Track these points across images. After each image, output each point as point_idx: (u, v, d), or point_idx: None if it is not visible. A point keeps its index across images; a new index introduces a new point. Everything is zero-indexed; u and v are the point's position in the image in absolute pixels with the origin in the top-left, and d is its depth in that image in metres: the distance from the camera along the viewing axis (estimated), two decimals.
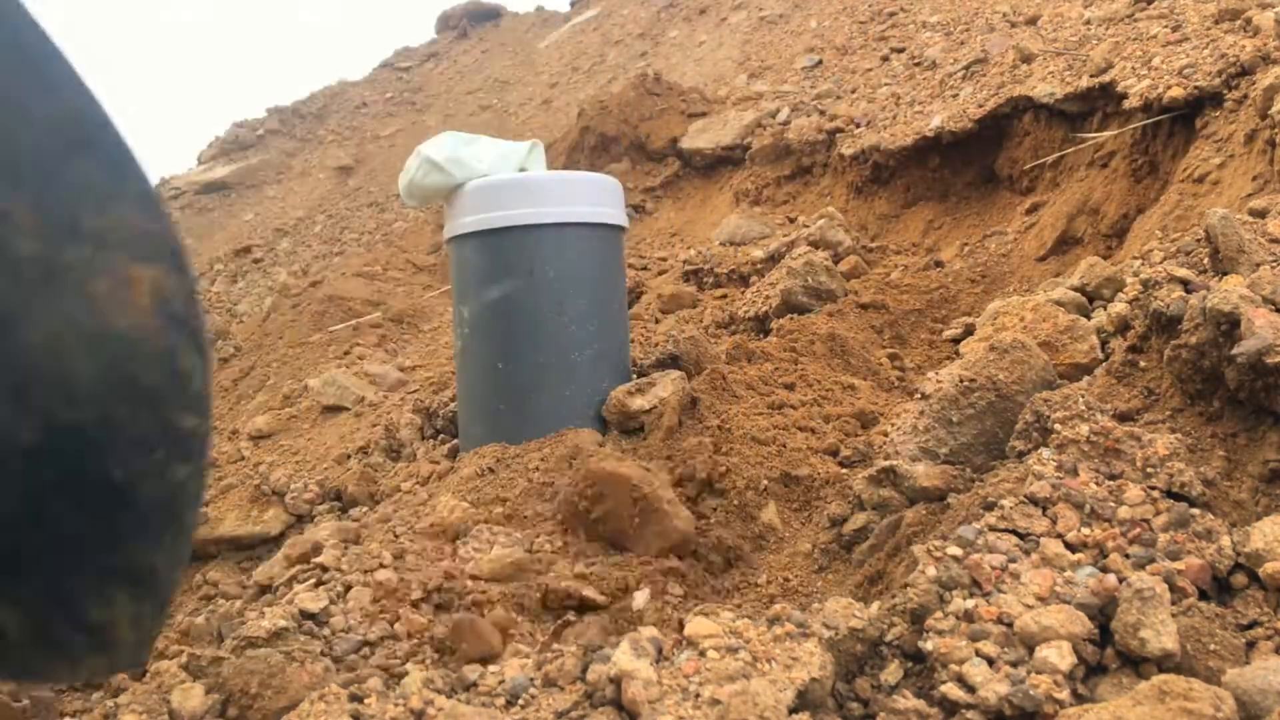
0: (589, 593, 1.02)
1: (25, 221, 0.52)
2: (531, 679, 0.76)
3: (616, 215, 1.54)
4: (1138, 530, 0.78)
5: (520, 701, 0.74)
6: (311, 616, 0.92)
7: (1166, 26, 2.18)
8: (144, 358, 0.56)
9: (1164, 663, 0.68)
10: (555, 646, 0.84)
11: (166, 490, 0.57)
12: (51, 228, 0.52)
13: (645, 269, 2.67)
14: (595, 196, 1.51)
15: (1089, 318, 1.30)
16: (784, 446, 1.28)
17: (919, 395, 1.16)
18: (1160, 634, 0.67)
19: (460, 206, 1.50)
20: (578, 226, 1.48)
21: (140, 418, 0.56)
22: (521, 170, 1.57)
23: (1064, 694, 0.65)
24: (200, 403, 0.57)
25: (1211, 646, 0.68)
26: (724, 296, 2.26)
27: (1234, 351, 0.88)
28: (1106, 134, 2.08)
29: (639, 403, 1.44)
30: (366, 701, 0.71)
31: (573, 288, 1.47)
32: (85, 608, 0.58)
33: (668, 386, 1.46)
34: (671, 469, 1.23)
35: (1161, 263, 1.24)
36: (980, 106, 2.47)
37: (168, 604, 0.61)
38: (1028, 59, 2.51)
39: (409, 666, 0.88)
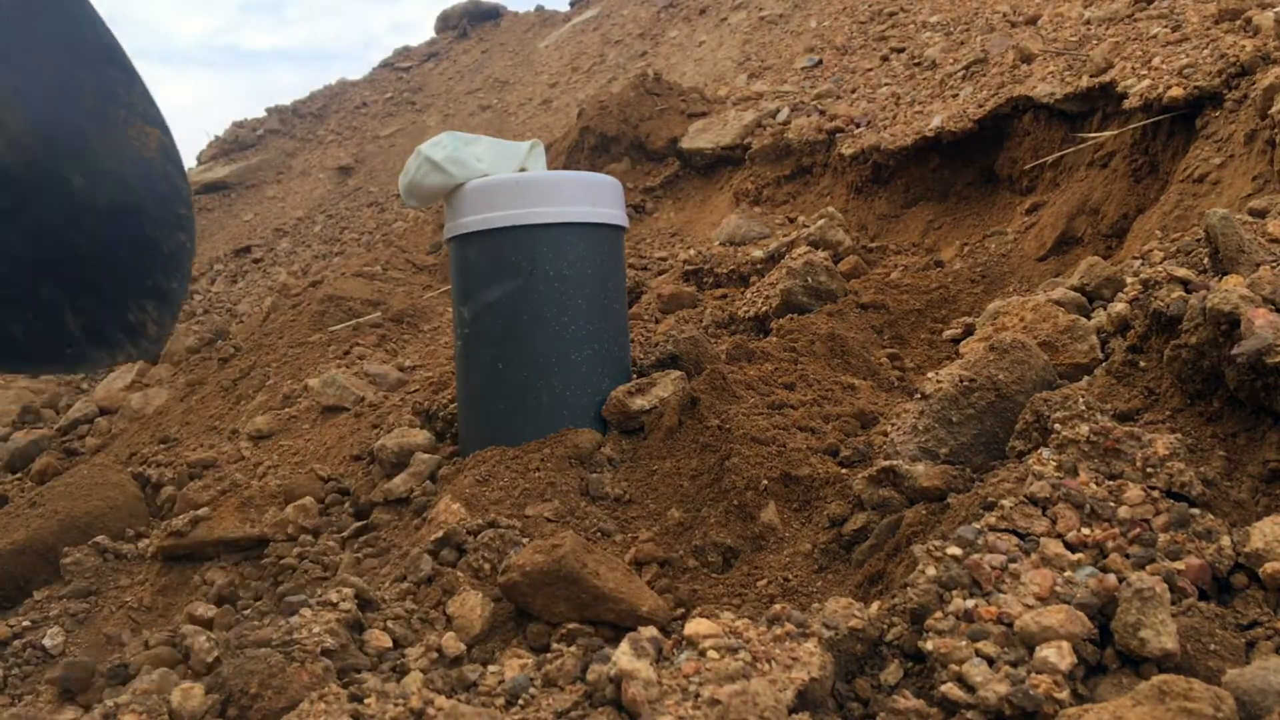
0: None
1: (86, 88, 1.00)
2: (531, 679, 0.76)
3: (616, 215, 1.54)
4: (1138, 530, 0.78)
5: (520, 701, 0.73)
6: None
7: (1166, 26, 2.18)
8: (158, 174, 1.03)
9: (1164, 663, 0.68)
10: (555, 646, 0.84)
11: (174, 246, 1.04)
12: (101, 95, 1.00)
13: (645, 269, 2.67)
14: (595, 196, 1.51)
15: (1089, 318, 1.30)
16: (784, 446, 1.27)
17: (919, 395, 1.16)
18: (1160, 634, 0.67)
19: (460, 206, 1.50)
20: (578, 226, 1.48)
21: (160, 205, 1.03)
22: (522, 170, 1.56)
23: (1064, 694, 0.65)
24: (188, 203, 1.06)
25: (1211, 646, 0.68)
26: (724, 296, 2.26)
27: (1234, 351, 0.88)
28: (1106, 134, 2.08)
29: (639, 403, 1.44)
30: (366, 701, 0.71)
31: (573, 287, 1.47)
32: (127, 313, 1.04)
33: (668, 386, 1.45)
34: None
35: (1161, 263, 1.24)
36: (980, 106, 2.47)
37: (175, 317, 1.08)
38: (1028, 59, 2.51)
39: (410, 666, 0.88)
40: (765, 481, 1.22)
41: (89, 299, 1.05)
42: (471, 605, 0.98)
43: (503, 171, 1.53)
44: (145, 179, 1.07)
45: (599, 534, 1.24)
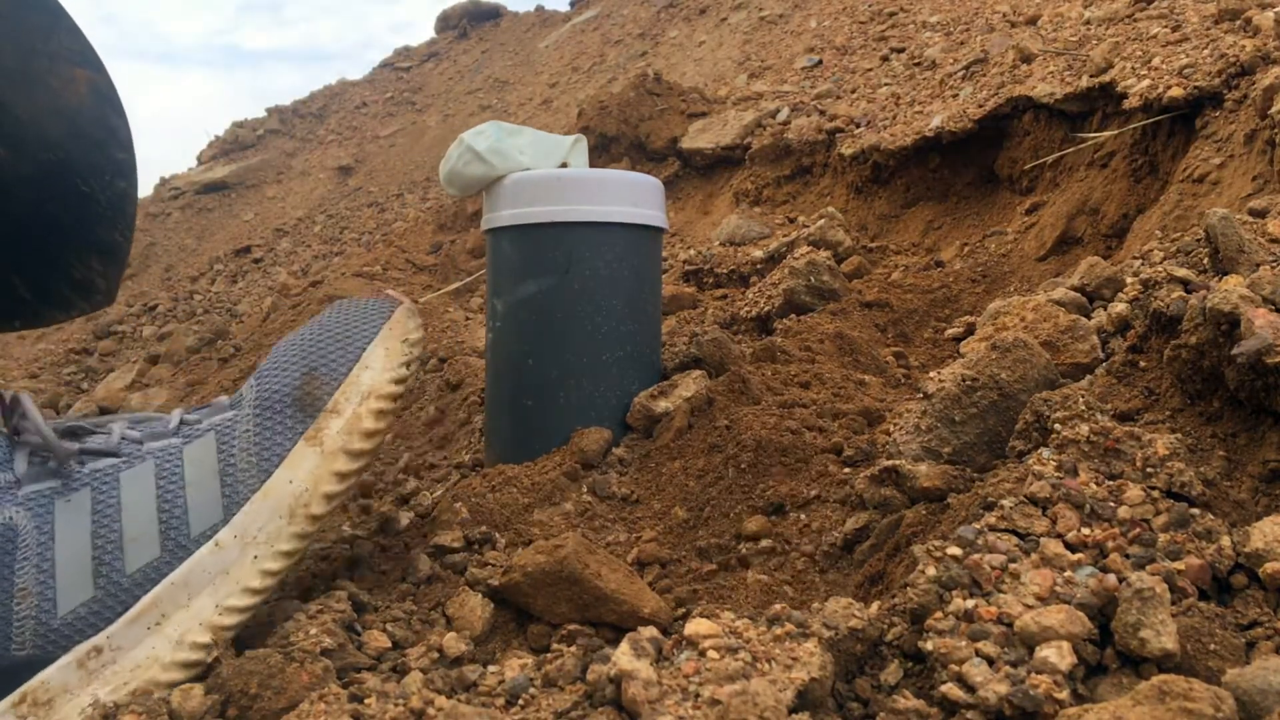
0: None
1: (6, 46, 0.88)
2: (531, 679, 0.76)
3: (656, 217, 1.49)
4: (1138, 530, 0.78)
5: (520, 701, 0.73)
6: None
7: (1166, 26, 2.18)
8: (87, 120, 0.95)
9: (1164, 663, 0.68)
10: (555, 646, 0.84)
11: (114, 195, 0.97)
12: (21, 50, 0.89)
13: None
14: (635, 196, 1.46)
15: (1089, 318, 1.30)
16: (789, 446, 1.27)
17: (921, 395, 1.16)
18: (1160, 634, 0.67)
19: (498, 199, 1.45)
20: (617, 227, 1.43)
21: (91, 154, 0.95)
22: (563, 165, 1.52)
23: (1064, 694, 0.65)
24: (127, 143, 0.99)
25: (1211, 646, 0.68)
26: (724, 297, 2.26)
27: (1234, 351, 0.88)
28: (1106, 134, 2.08)
29: (663, 405, 1.42)
30: (366, 702, 0.71)
31: (608, 288, 1.43)
32: (73, 271, 0.97)
33: (690, 387, 1.44)
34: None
35: (1161, 263, 1.24)
36: (980, 106, 2.47)
37: (124, 265, 1.04)
38: (1028, 59, 2.51)
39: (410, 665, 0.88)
40: (769, 481, 1.22)
41: (30, 263, 0.98)
42: (472, 606, 0.98)
43: (544, 165, 1.49)
44: (74, 129, 0.98)
45: (605, 534, 1.24)
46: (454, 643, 0.90)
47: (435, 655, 0.89)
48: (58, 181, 0.96)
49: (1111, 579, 0.73)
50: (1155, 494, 0.83)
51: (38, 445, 0.84)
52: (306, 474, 0.88)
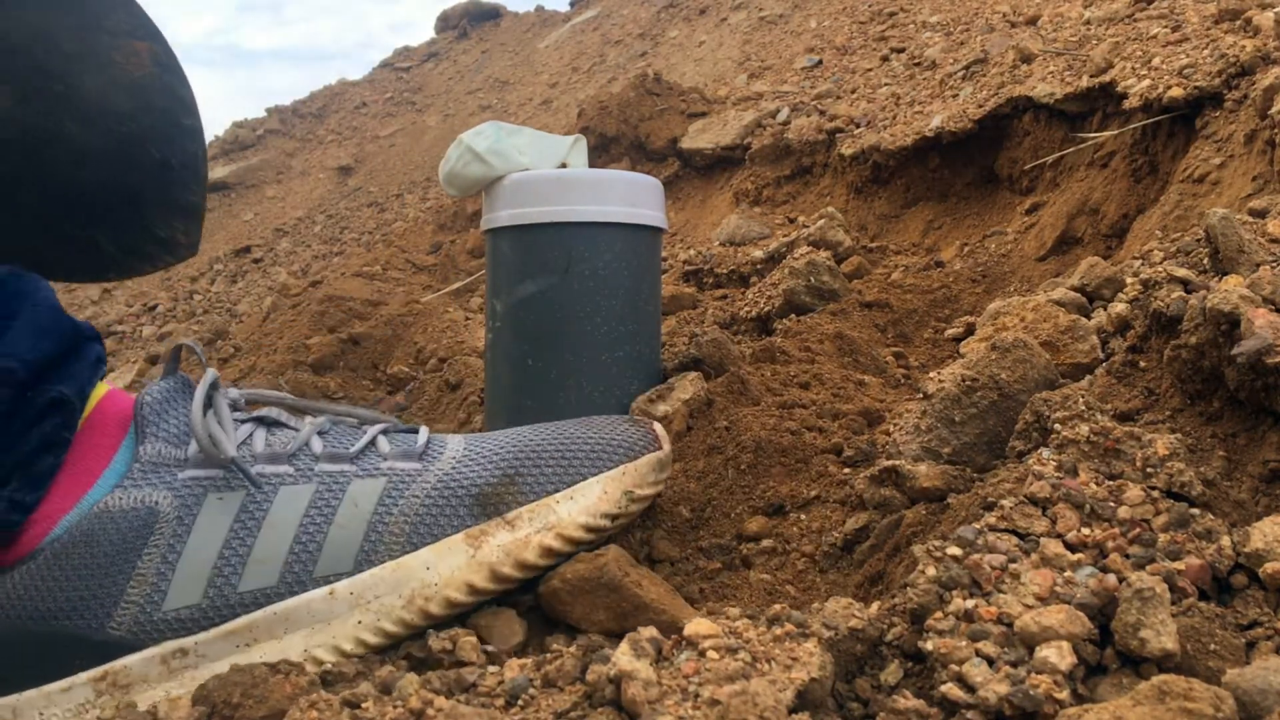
0: None
1: (65, 29, 0.91)
2: (531, 679, 0.76)
3: (656, 217, 1.48)
4: (1138, 530, 0.78)
5: (520, 702, 0.73)
6: None
7: (1166, 26, 2.18)
8: (153, 90, 0.98)
9: (1164, 663, 0.68)
10: (555, 647, 0.84)
11: (186, 158, 1.02)
12: (82, 30, 0.93)
13: None
14: (635, 196, 1.45)
15: (1089, 318, 1.30)
16: (789, 447, 1.28)
17: (921, 395, 1.16)
18: (1160, 634, 0.67)
19: (497, 199, 1.45)
20: (616, 227, 1.42)
21: (161, 122, 0.99)
22: (563, 165, 1.51)
23: (1064, 694, 0.65)
24: (193, 107, 1.04)
25: (1211, 646, 0.68)
26: (724, 297, 2.26)
27: (1234, 351, 0.88)
28: (1106, 134, 2.08)
29: (662, 408, 1.42)
30: (364, 705, 0.71)
31: (607, 288, 1.42)
32: (155, 229, 1.02)
33: (687, 389, 1.43)
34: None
35: (1161, 263, 1.24)
36: (980, 106, 2.47)
37: (202, 219, 1.08)
38: (1028, 59, 2.51)
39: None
40: (769, 482, 1.22)
41: (114, 227, 1.03)
42: (505, 620, 0.96)
43: (544, 165, 1.48)
44: (142, 101, 1.03)
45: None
46: (470, 651, 0.88)
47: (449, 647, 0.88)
48: (134, 152, 1.00)
49: (1111, 579, 0.73)
50: (1155, 494, 0.83)
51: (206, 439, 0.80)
52: (446, 570, 0.84)
